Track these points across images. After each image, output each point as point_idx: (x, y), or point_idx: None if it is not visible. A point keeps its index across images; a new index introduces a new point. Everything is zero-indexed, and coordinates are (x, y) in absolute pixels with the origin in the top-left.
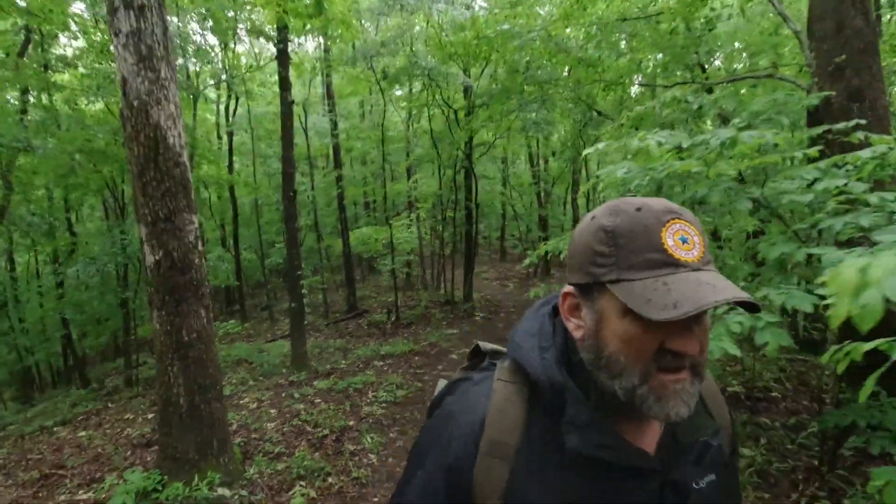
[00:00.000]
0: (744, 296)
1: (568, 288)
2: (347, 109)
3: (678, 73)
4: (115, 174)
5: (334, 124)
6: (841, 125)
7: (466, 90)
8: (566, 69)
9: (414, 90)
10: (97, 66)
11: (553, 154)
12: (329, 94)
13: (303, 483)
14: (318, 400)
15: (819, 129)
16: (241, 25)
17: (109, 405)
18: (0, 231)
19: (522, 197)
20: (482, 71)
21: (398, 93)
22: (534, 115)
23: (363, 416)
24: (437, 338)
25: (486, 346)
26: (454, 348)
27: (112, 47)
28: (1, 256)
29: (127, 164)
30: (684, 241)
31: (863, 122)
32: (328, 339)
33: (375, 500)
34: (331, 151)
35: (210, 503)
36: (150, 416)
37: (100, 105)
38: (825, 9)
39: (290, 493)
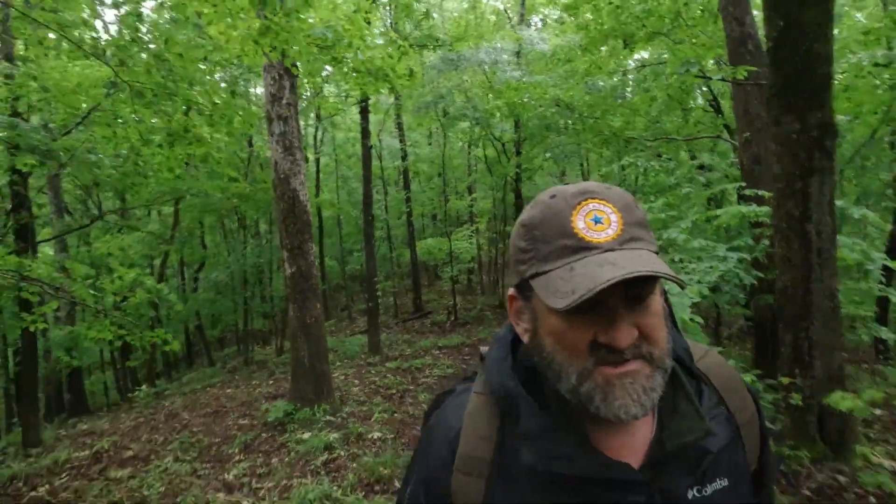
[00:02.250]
0: (648, 269)
1: (511, 291)
2: (415, 138)
3: (666, 122)
4: (248, 206)
5: (404, 153)
6: (728, 185)
7: (517, 124)
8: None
9: (470, 124)
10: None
11: (600, 169)
12: (400, 129)
13: (378, 414)
14: (389, 374)
15: (712, 190)
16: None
17: (237, 377)
18: (172, 249)
19: None
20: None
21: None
22: (559, 149)
23: (419, 383)
24: (485, 334)
25: (485, 350)
26: None
27: (268, 142)
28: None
29: (275, 212)
30: (597, 221)
31: (742, 184)
32: (397, 334)
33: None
34: (401, 175)
35: (323, 422)
36: (270, 382)
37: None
38: (738, 96)
39: (371, 419)
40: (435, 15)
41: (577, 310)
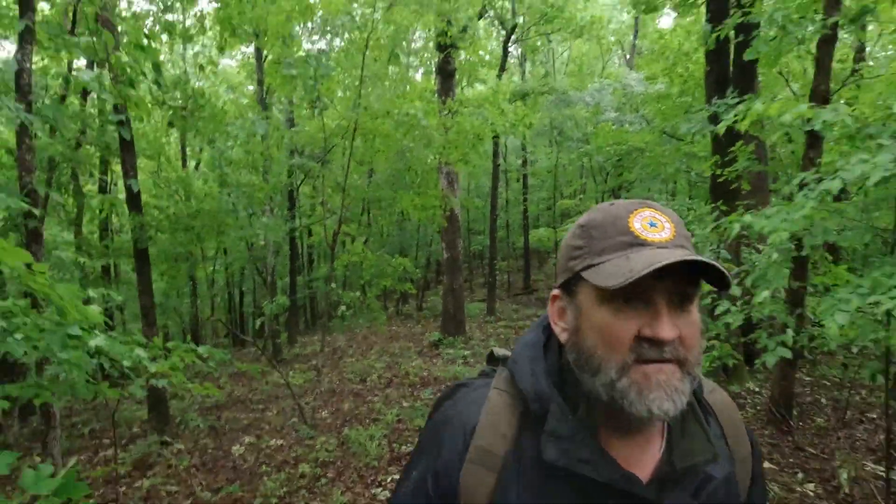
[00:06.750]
0: (706, 259)
1: (555, 291)
2: (535, 143)
3: None
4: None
5: (524, 160)
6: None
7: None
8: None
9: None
10: None
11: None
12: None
13: (493, 345)
14: (501, 328)
15: None
16: None
17: (393, 322)
18: (363, 231)
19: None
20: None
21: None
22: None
23: (519, 335)
24: None
25: (499, 352)
26: None
27: (439, 178)
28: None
29: (441, 223)
30: (653, 224)
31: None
32: (507, 304)
33: None
34: (520, 177)
35: (461, 346)
36: (419, 326)
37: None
38: None
39: (489, 348)
40: (553, 45)
41: (626, 298)
